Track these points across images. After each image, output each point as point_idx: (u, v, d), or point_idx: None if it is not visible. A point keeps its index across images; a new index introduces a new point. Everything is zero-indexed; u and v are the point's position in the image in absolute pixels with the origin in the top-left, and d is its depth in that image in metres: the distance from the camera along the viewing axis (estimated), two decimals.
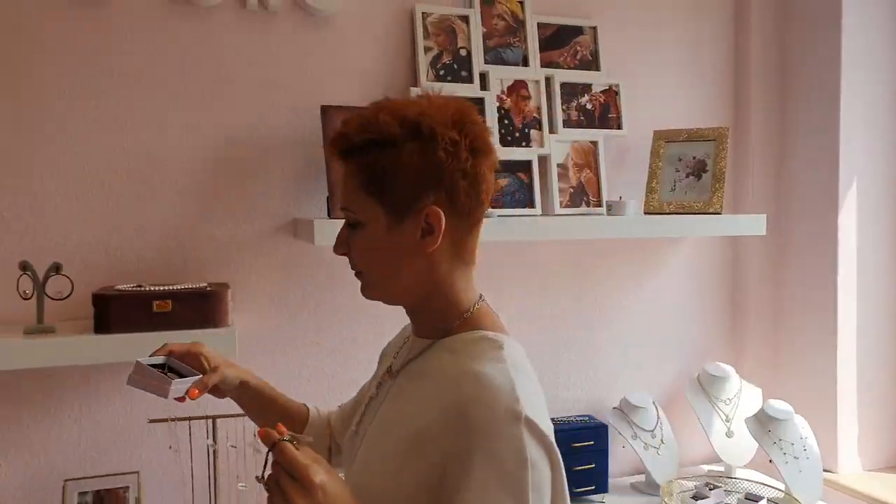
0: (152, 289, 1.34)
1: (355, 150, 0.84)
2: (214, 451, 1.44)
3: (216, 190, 1.54)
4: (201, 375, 1.02)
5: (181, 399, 1.00)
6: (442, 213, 0.82)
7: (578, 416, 1.81)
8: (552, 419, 1.73)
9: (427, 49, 1.71)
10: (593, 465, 1.74)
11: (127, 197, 1.48)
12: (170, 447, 1.41)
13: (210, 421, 1.43)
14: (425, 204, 0.82)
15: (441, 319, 0.88)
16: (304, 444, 0.75)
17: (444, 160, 0.81)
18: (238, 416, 1.44)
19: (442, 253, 0.85)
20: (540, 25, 1.83)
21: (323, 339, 1.63)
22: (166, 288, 1.35)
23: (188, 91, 1.52)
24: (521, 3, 1.82)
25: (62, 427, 1.45)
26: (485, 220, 1.50)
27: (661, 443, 1.79)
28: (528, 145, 1.79)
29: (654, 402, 1.84)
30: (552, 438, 0.79)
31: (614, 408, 1.84)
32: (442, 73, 1.72)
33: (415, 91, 1.66)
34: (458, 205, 0.84)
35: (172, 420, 1.41)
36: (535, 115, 1.80)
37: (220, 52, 1.55)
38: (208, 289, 1.37)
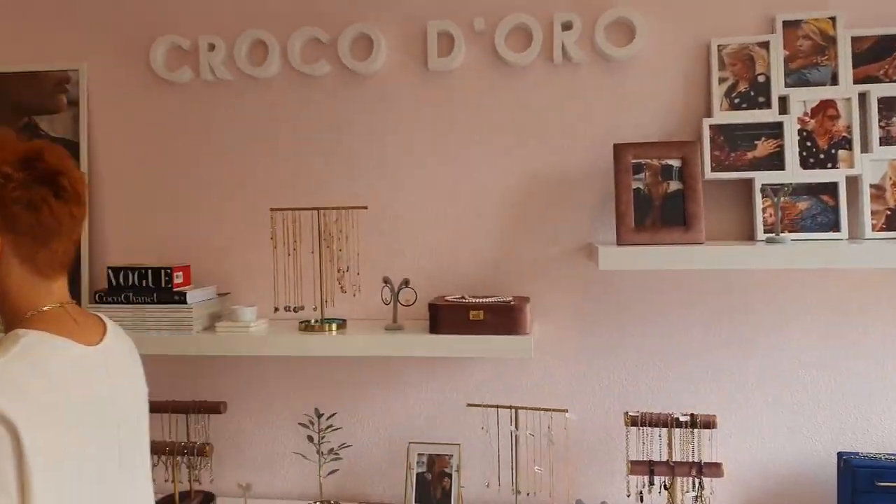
0: (471, 300, 1.70)
1: None
2: (516, 437, 1.75)
3: (525, 218, 1.85)
4: None
5: None
6: None
7: (889, 454, 1.69)
8: (855, 453, 1.66)
9: (722, 80, 1.77)
10: None
11: (459, 226, 1.87)
12: (482, 428, 1.76)
13: (513, 410, 1.74)
14: None
15: (8, 322, 1.03)
16: None
17: None
18: (536, 409, 1.73)
19: (10, 265, 1.00)
20: (854, 39, 1.74)
21: (607, 347, 1.82)
22: (480, 300, 1.69)
23: (507, 135, 1.85)
24: (832, 19, 1.76)
25: (407, 402, 1.90)
26: (772, 245, 1.54)
27: None
28: (834, 166, 1.73)
29: None
30: (17, 416, 0.86)
31: None
32: (737, 101, 1.77)
33: (707, 122, 1.75)
34: (17, 227, 0.98)
35: (485, 406, 1.75)
36: (844, 134, 1.73)
37: (532, 102, 1.84)
38: (512, 302, 1.67)
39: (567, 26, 1.79)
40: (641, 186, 1.70)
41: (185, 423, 1.86)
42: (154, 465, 1.81)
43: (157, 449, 1.81)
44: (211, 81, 1.94)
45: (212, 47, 1.91)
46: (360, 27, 1.85)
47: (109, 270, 1.78)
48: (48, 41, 2.01)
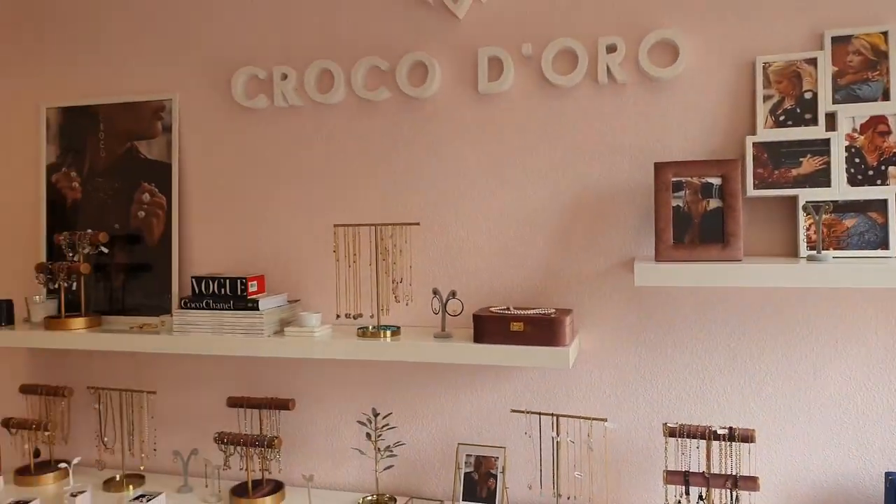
0: (514, 312, 1.80)
1: None
2: (557, 443, 1.83)
3: (571, 233, 1.93)
4: None
5: None
6: None
7: None
8: None
9: (767, 97, 1.79)
10: None
11: (507, 240, 1.97)
12: (525, 433, 1.86)
13: (554, 418, 1.82)
14: None
15: None
16: None
17: None
18: (576, 417, 1.81)
19: None
20: None
21: (650, 359, 1.88)
22: (521, 312, 1.78)
23: (553, 154, 1.94)
24: (884, 33, 1.74)
25: (457, 405, 2.02)
26: (812, 263, 1.56)
27: None
28: (884, 183, 1.71)
29: None
30: None
31: None
32: (782, 118, 1.78)
33: (751, 139, 1.77)
34: None
35: (527, 413, 1.84)
36: (895, 150, 1.71)
37: (578, 121, 1.92)
38: (552, 315, 1.76)
39: (611, 49, 1.86)
40: (681, 204, 1.75)
41: (257, 418, 2.07)
42: (230, 455, 2.03)
43: (234, 440, 2.02)
44: (284, 107, 2.14)
45: (284, 77, 2.10)
46: (417, 55, 1.99)
47: (193, 280, 2.01)
48: (147, 75, 2.27)
